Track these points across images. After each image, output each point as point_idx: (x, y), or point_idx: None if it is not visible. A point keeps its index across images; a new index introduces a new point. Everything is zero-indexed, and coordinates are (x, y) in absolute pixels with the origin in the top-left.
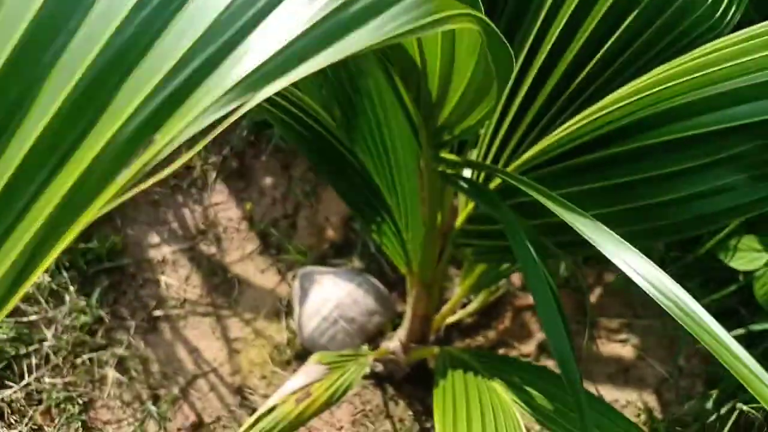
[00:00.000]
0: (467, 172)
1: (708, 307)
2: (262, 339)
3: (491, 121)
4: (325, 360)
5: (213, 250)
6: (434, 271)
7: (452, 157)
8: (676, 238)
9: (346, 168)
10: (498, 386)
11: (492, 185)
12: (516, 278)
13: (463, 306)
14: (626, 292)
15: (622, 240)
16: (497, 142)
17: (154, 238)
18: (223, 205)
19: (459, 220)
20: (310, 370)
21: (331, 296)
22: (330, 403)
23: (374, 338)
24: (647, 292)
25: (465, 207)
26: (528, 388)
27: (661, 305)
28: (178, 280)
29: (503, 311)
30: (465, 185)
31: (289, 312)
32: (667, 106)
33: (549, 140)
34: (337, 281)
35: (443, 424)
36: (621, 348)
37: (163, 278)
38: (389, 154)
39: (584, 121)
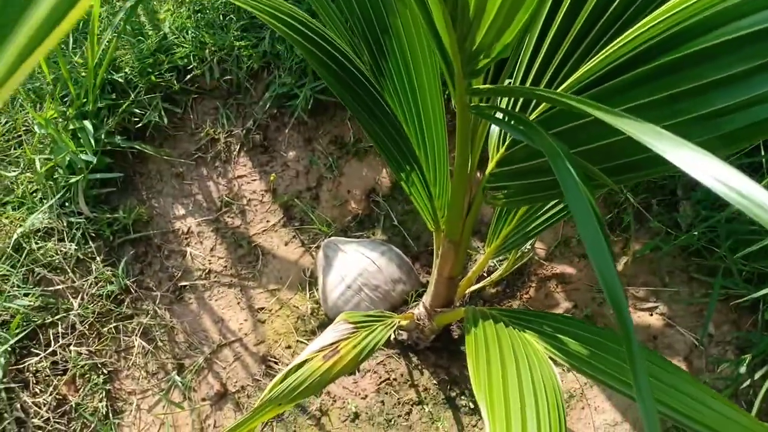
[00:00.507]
0: (503, 107)
1: (740, 271)
2: (287, 309)
3: (527, 51)
4: (353, 319)
5: (237, 222)
6: (462, 226)
7: (487, 86)
8: (734, 149)
9: (378, 112)
10: (529, 336)
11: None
12: (540, 250)
13: (489, 273)
14: (653, 260)
15: (680, 139)
16: (533, 74)
17: (180, 210)
18: (246, 178)
19: (490, 166)
20: (338, 328)
21: (355, 265)
22: (357, 361)
23: (398, 307)
24: (713, 188)
25: (496, 153)
26: (560, 336)
27: (727, 199)
28: (203, 252)
29: (528, 281)
30: (501, 116)
31: (312, 283)
32: (708, 13)
33: (593, 63)
34: (361, 250)
35: (477, 368)
36: (649, 316)
37: (188, 249)
38: (417, 100)
39: (626, 40)
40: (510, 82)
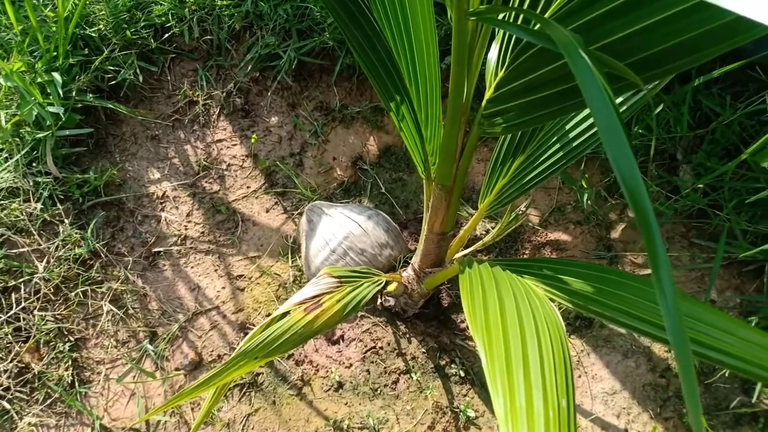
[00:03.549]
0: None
1: (744, 232)
2: (267, 277)
3: None
4: (337, 273)
5: (216, 187)
6: (455, 169)
7: None
8: None
9: (370, 33)
10: (529, 281)
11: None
12: (534, 216)
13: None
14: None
15: None
16: None
17: (154, 174)
18: (226, 143)
19: (487, 93)
20: (320, 282)
21: (340, 228)
22: (341, 317)
23: (386, 273)
24: None
25: (494, 79)
26: (561, 276)
27: None
28: (179, 217)
29: (521, 249)
30: (505, 19)
31: (295, 250)
32: None
33: None
34: (347, 213)
35: (472, 306)
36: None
37: (163, 214)
38: (410, 31)
39: None
40: None
